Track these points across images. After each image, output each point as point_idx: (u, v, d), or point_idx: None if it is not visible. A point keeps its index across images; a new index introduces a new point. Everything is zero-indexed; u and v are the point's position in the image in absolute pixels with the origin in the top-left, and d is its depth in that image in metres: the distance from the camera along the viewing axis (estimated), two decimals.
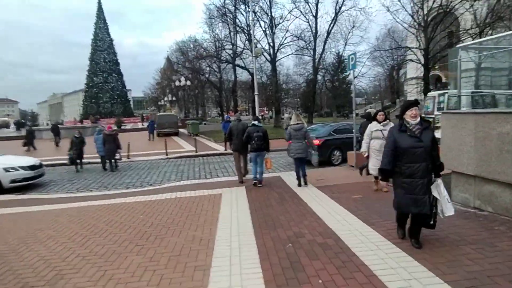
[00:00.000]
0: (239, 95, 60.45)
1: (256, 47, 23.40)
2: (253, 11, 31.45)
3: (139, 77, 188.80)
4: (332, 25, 36.37)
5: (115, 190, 10.99)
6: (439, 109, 20.04)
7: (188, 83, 46.02)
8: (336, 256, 4.72)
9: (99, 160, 15.48)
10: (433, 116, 16.50)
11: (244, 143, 9.93)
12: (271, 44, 36.49)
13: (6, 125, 59.43)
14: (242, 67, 41.63)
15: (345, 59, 44.41)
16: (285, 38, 37.14)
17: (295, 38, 37.35)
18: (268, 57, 37.70)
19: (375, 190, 8.30)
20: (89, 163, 16.43)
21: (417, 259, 4.42)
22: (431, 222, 4.72)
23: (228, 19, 38.08)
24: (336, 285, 3.94)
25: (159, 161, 17.32)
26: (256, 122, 9.88)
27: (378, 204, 7.20)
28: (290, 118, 10.62)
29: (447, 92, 25.79)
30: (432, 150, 4.55)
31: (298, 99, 68.16)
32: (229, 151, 14.72)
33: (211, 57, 41.90)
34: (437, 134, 5.99)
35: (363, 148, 8.60)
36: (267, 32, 36.31)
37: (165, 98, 64.09)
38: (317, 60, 38.05)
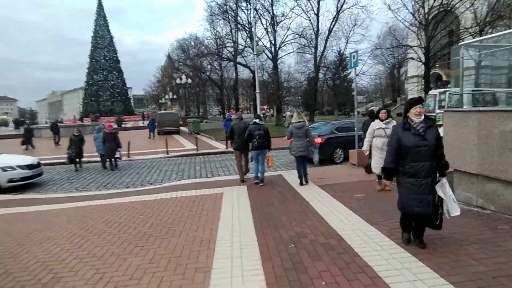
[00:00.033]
0: (240, 93, 60.27)
1: (257, 45, 23.29)
2: (255, 9, 31.37)
3: (140, 74, 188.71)
4: (333, 23, 36.41)
5: (114, 190, 10.91)
6: (440, 107, 19.99)
7: (189, 81, 45.93)
8: (339, 256, 4.65)
9: (98, 159, 15.40)
10: (434, 114, 16.43)
11: (246, 141, 9.89)
12: (273, 42, 36.46)
13: (4, 124, 59.38)
14: (243, 65, 41.47)
15: (347, 57, 44.62)
16: (287, 36, 37.20)
17: (296, 36, 37.40)
18: (270, 55, 37.61)
19: (379, 190, 8.16)
20: (88, 162, 16.32)
21: (421, 260, 4.36)
22: (437, 223, 4.63)
23: (229, 16, 37.99)
24: (339, 287, 3.88)
25: (159, 159, 17.23)
26: (257, 120, 9.87)
27: (380, 203, 7.14)
28: (292, 116, 10.56)
29: (448, 90, 25.84)
30: (436, 148, 4.46)
31: (300, 97, 68.23)
32: (230, 149, 14.66)
33: (212, 55, 41.77)
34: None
35: (365, 146, 8.58)
36: (269, 30, 36.28)
37: (166, 96, 64.00)
38: (318, 58, 38.04)
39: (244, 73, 50.21)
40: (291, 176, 10.46)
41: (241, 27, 38.02)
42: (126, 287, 4.19)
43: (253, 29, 24.55)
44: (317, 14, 36.00)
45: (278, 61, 38.87)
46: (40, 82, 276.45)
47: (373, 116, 8.82)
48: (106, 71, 67.95)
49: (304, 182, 9.38)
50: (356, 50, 12.55)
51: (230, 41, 40.68)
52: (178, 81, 44.85)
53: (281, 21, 36.20)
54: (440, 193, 4.50)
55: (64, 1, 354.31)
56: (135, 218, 7.09)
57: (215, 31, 40.70)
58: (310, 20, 36.53)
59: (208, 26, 42.40)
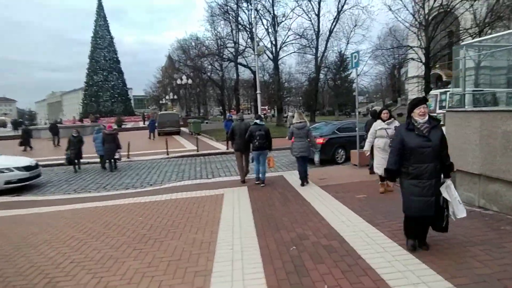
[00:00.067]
0: (241, 94, 60.11)
1: (258, 45, 23.26)
2: (256, 9, 31.35)
3: (140, 75, 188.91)
4: (334, 23, 36.45)
5: (114, 191, 10.83)
6: (441, 107, 19.97)
7: (190, 81, 45.89)
8: (341, 259, 4.58)
9: (98, 160, 15.35)
10: (435, 114, 16.36)
11: (246, 142, 9.86)
12: (274, 42, 36.40)
13: (3, 124, 59.27)
14: (244, 66, 41.37)
15: (347, 57, 44.65)
16: (288, 37, 37.15)
17: (297, 37, 37.39)
18: (271, 56, 37.60)
19: (381, 192, 8.03)
20: (87, 163, 16.26)
21: (425, 262, 4.29)
22: (443, 225, 4.55)
23: (230, 17, 37.88)
24: None
25: (159, 160, 17.16)
26: (258, 121, 9.83)
27: (382, 204, 7.09)
28: (293, 117, 10.52)
29: (448, 91, 25.91)
30: (441, 149, 4.36)
31: (300, 98, 68.28)
32: (231, 150, 14.61)
33: (213, 55, 41.64)
34: None
35: (366, 147, 8.53)
36: (270, 30, 36.24)
37: (167, 97, 63.92)
38: (319, 58, 38.07)
39: (245, 74, 50.20)
40: (292, 177, 10.40)
41: (242, 28, 37.94)
42: None
43: (254, 29, 24.61)
44: (318, 15, 36.06)
45: (279, 62, 38.82)
46: (40, 82, 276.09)
47: (376, 116, 8.76)
48: (106, 72, 67.95)
49: (305, 183, 9.33)
50: (357, 50, 12.55)
51: (231, 41, 40.57)
52: (178, 81, 44.82)
53: (282, 21, 36.22)
54: (445, 194, 4.41)
55: (64, 1, 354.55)
56: (134, 220, 7.00)
57: (215, 31, 40.63)
58: (311, 20, 36.61)
59: (208, 27, 42.37)
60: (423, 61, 32.51)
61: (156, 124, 31.01)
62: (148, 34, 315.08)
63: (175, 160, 17.02)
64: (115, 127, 29.47)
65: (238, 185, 9.89)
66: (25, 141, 23.46)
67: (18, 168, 11.46)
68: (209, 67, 46.58)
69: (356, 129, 12.10)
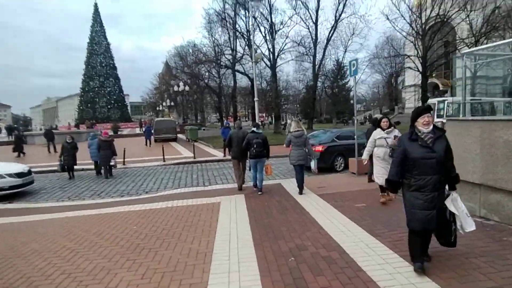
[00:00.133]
0: (238, 101, 60.20)
1: (256, 52, 23.26)
2: (253, 17, 31.41)
3: (137, 82, 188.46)
4: (332, 32, 36.53)
5: (109, 199, 10.67)
6: (439, 116, 20.00)
7: (187, 88, 45.83)
8: (341, 271, 4.45)
9: (92, 166, 15.17)
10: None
11: (244, 150, 9.79)
12: (271, 50, 36.51)
13: None
14: (241, 73, 41.42)
15: (345, 65, 44.78)
16: (285, 44, 37.19)
17: (295, 44, 37.48)
18: (268, 63, 37.68)
19: (382, 202, 7.84)
20: (82, 169, 16.08)
21: (427, 274, 4.17)
22: (452, 240, 4.38)
23: (227, 24, 38.05)
24: None
25: (156, 167, 16.99)
26: (255, 129, 9.77)
27: (382, 213, 6.98)
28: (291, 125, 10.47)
29: (446, 99, 26.15)
30: (445, 161, 4.16)
31: (298, 105, 68.35)
32: (228, 157, 14.52)
33: (210, 62, 41.68)
34: None
35: (364, 155, 8.40)
36: (267, 37, 36.31)
37: (164, 103, 63.86)
38: (317, 66, 38.11)
39: (243, 81, 50.25)
40: (290, 185, 10.30)
41: (239, 35, 38.08)
42: None
43: (251, 36, 24.59)
44: (315, 23, 36.14)
45: (277, 69, 38.94)
46: (35, 88, 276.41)
47: (377, 124, 8.66)
48: (103, 78, 68.03)
49: (302, 191, 9.27)
50: (356, 58, 12.45)
51: (229, 48, 40.64)
52: (175, 88, 44.74)
53: (280, 29, 36.36)
54: (451, 208, 4.22)
55: (60, 6, 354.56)
56: (128, 229, 6.84)
57: (213, 38, 40.70)
58: (308, 28, 36.69)
59: (206, 33, 42.53)
60: (420, 70, 32.81)
61: (153, 131, 30.86)
62: (145, 41, 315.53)
63: (172, 167, 16.85)
64: (111, 133, 29.28)
65: (235, 193, 9.78)
66: (18, 147, 23.24)
67: (10, 175, 11.23)
68: (207, 74, 46.58)
69: (355, 137, 12.05)
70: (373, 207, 7.57)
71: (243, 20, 37.83)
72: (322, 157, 12.94)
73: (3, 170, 11.36)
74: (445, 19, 31.28)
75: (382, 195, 7.89)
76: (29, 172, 12.14)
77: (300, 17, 36.05)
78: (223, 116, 52.83)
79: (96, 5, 69.60)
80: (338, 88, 59.10)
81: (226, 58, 41.55)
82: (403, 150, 4.28)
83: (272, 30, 35.52)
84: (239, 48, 40.44)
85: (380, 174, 7.54)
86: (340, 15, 35.57)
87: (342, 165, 13.53)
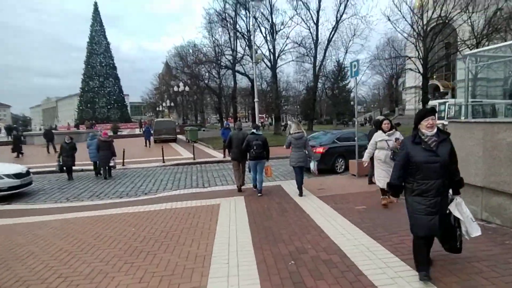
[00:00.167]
0: (238, 102, 60.14)
1: (256, 53, 23.18)
2: (254, 17, 31.34)
3: (137, 82, 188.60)
4: (333, 32, 36.59)
5: (107, 200, 10.59)
6: (440, 118, 19.96)
7: (187, 88, 45.77)
8: (342, 275, 4.40)
9: (91, 167, 15.09)
10: None
11: (243, 151, 9.77)
12: (272, 50, 36.45)
13: None
14: (242, 73, 41.34)
15: (346, 67, 44.77)
16: (286, 45, 37.21)
17: (295, 45, 37.52)
18: (269, 64, 37.63)
19: (384, 204, 7.75)
20: (81, 170, 16.02)
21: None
22: (457, 245, 4.29)
23: (228, 24, 37.98)
24: None
25: (155, 168, 16.93)
26: (255, 131, 9.75)
27: (382, 216, 6.94)
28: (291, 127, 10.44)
29: (447, 101, 26.17)
30: (450, 164, 4.05)
31: (298, 107, 68.34)
32: (228, 158, 14.46)
33: (210, 63, 41.58)
34: None
35: (365, 157, 8.33)
36: (268, 38, 36.28)
37: (164, 104, 63.80)
38: (317, 67, 38.10)
39: (243, 82, 50.21)
40: (290, 187, 10.25)
41: (240, 35, 38.00)
42: None
43: (252, 37, 24.50)
44: (316, 24, 36.21)
45: (277, 70, 38.87)
46: (35, 88, 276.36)
47: (378, 126, 8.60)
48: (102, 78, 67.87)
49: (302, 193, 9.24)
50: (357, 59, 12.41)
51: (229, 49, 40.54)
52: (175, 88, 44.68)
53: (281, 29, 36.31)
54: (456, 213, 4.13)
55: (60, 6, 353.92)
56: (126, 231, 6.77)
57: (213, 38, 40.58)
58: (309, 29, 36.76)
59: (206, 34, 42.50)
60: (421, 71, 32.76)
61: (152, 131, 30.78)
62: (145, 41, 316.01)
63: (171, 168, 16.78)
64: (111, 133, 29.21)
65: (234, 195, 9.73)
66: (17, 147, 23.19)
67: (8, 176, 11.15)
68: (207, 74, 46.49)
69: (355, 138, 12.01)
70: (374, 209, 7.51)
71: (243, 20, 37.90)
72: (322, 158, 12.92)
73: (1, 170, 11.27)
74: (447, 21, 31.33)
75: (383, 198, 7.81)
76: (28, 173, 12.05)
77: (301, 17, 36.22)
78: (223, 117, 52.75)
79: (96, 4, 69.27)
80: (338, 89, 59.12)
81: (226, 58, 41.49)
82: (406, 153, 4.16)
83: (273, 31, 35.50)
84: (239, 49, 40.47)
85: (381, 177, 7.49)
86: (341, 16, 35.72)
87: (343, 166, 13.49)
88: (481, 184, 6.23)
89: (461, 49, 30.96)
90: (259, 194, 9.47)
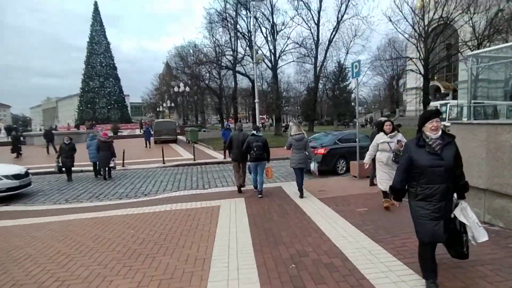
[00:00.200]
0: (239, 102, 60.20)
1: (257, 53, 23.14)
2: (255, 17, 31.28)
3: (138, 82, 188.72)
4: (334, 33, 36.60)
5: (107, 201, 10.50)
6: (441, 119, 19.88)
7: (187, 89, 45.76)
8: (344, 279, 4.33)
9: (91, 168, 15.01)
10: None
11: (244, 153, 9.76)
12: (272, 51, 36.40)
13: None
14: (242, 74, 41.29)
15: (347, 67, 44.72)
16: (287, 45, 37.16)
17: (296, 46, 37.45)
18: (269, 64, 37.56)
19: (386, 207, 7.62)
20: (81, 171, 15.94)
21: None
22: (464, 251, 4.18)
23: (228, 24, 37.89)
24: None
25: (155, 169, 16.86)
26: (255, 132, 9.74)
27: (384, 218, 6.89)
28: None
29: (448, 103, 26.19)
30: (455, 168, 3.91)
31: (299, 107, 68.30)
32: (228, 159, 14.41)
33: (211, 63, 41.54)
34: None
35: (366, 159, 8.29)
36: (269, 38, 36.21)
37: (164, 104, 63.78)
38: (318, 68, 38.03)
39: (243, 82, 50.24)
40: (291, 188, 10.20)
41: (240, 35, 37.94)
42: None
43: (252, 37, 24.47)
44: (317, 24, 36.17)
45: (278, 71, 38.75)
46: (35, 88, 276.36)
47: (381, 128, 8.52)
48: (103, 78, 67.81)
49: (303, 195, 9.20)
50: (358, 60, 12.33)
51: (229, 49, 40.51)
52: (176, 89, 44.66)
53: (281, 30, 36.23)
54: (461, 218, 4.01)
55: (60, 6, 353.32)
56: (125, 233, 6.69)
57: (214, 39, 40.56)
58: (310, 29, 36.72)
59: (207, 34, 42.40)
60: (422, 72, 32.77)
61: (152, 132, 30.71)
62: (146, 41, 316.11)
63: (171, 169, 16.72)
64: (111, 134, 29.15)
65: (235, 196, 9.67)
66: (16, 148, 23.13)
67: (6, 177, 11.05)
68: (207, 75, 46.51)
69: (357, 139, 11.97)
70: (375, 211, 7.46)
71: (244, 21, 37.80)
72: (324, 159, 12.92)
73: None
74: (448, 22, 31.38)
75: (385, 201, 7.68)
76: (26, 174, 11.94)
77: (302, 18, 36.17)
78: (223, 117, 52.79)
79: (96, 4, 69.25)
80: (339, 90, 59.07)
81: (227, 59, 41.48)
82: (409, 157, 4.01)
83: (274, 31, 35.41)
84: (240, 49, 40.43)
85: (383, 179, 7.42)
86: (342, 16, 35.73)
87: (344, 168, 13.46)
88: (484, 186, 6.18)
89: (462, 50, 31.01)
90: (259, 196, 9.42)
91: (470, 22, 30.12)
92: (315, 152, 12.58)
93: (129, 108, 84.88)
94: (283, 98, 52.17)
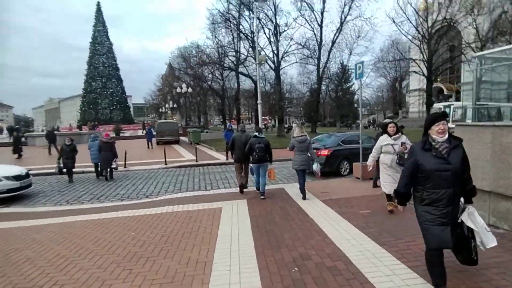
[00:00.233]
0: (242, 103, 59.94)
1: (260, 54, 23.09)
2: (258, 18, 31.16)
3: (140, 83, 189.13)
4: (337, 34, 36.57)
5: (108, 203, 10.45)
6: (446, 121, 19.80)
7: (190, 90, 45.75)
8: (347, 283, 4.26)
9: (93, 169, 14.97)
10: None
11: (246, 154, 9.76)
12: (275, 52, 36.26)
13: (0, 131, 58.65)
14: (245, 75, 41.14)
15: (350, 69, 44.62)
16: (290, 46, 36.98)
17: (299, 47, 37.26)
18: (272, 65, 37.43)
19: (390, 211, 7.51)
20: (82, 172, 15.89)
21: None
22: (473, 257, 4.08)
23: (231, 25, 37.70)
24: None
25: (157, 170, 16.82)
26: (257, 134, 9.73)
27: (387, 221, 6.82)
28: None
29: (452, 104, 26.15)
30: (462, 172, 3.77)
31: (302, 109, 68.24)
32: (231, 160, 14.35)
33: (213, 64, 41.42)
34: None
35: (369, 161, 8.16)
36: (271, 39, 36.10)
37: (166, 105, 63.79)
38: (321, 69, 38.01)
39: (246, 83, 50.03)
40: (293, 190, 10.12)
41: (243, 36, 37.81)
42: None
43: (255, 38, 24.43)
44: (320, 25, 36.16)
45: (281, 72, 38.69)
46: (37, 88, 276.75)
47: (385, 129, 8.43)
48: (105, 79, 67.82)
49: (306, 196, 9.16)
50: (362, 61, 12.25)
51: (232, 50, 40.36)
52: (178, 90, 44.67)
53: (284, 31, 36.09)
54: (469, 223, 3.90)
55: (62, 6, 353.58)
56: (126, 235, 6.63)
57: (217, 39, 40.30)
58: (313, 31, 36.66)
59: (209, 35, 41.98)
60: (425, 74, 32.74)
61: (154, 133, 30.67)
62: (148, 42, 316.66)
63: (173, 171, 16.67)
64: (113, 135, 29.12)
65: (237, 198, 9.61)
66: (17, 148, 23.12)
67: (7, 177, 10.96)
68: (210, 75, 46.39)
69: (360, 141, 11.92)
70: (378, 213, 7.39)
71: (247, 21, 37.61)
72: (327, 161, 12.91)
73: (0, 172, 11.12)
74: (452, 23, 31.34)
75: (389, 204, 7.58)
76: (27, 175, 11.85)
77: (305, 19, 36.12)
78: (226, 118, 52.72)
79: (98, 4, 69.15)
80: (342, 92, 58.89)
81: (229, 59, 41.32)
82: (414, 161, 3.87)
83: (277, 32, 35.32)
84: (242, 50, 40.24)
85: (387, 182, 7.31)
86: (345, 17, 35.72)
87: (348, 169, 13.42)
88: (488, 188, 6.12)
89: (465, 52, 31.00)
90: (262, 197, 9.38)
91: (474, 23, 30.10)
92: (319, 153, 12.58)
93: (131, 109, 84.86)
94: (286, 99, 52.01)
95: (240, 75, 42.43)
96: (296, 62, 40.00)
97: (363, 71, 11.59)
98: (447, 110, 24.28)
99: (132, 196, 11.25)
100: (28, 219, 8.57)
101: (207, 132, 47.91)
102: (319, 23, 36.02)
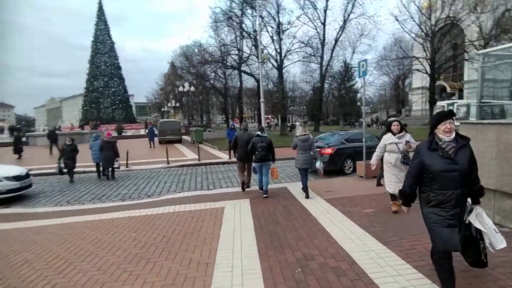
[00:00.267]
0: (244, 102, 59.91)
1: (262, 52, 23.03)
2: (260, 16, 31.05)
3: (142, 82, 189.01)
4: (340, 32, 36.45)
5: (109, 203, 10.38)
6: None
7: (192, 89, 45.60)
8: (352, 284, 4.20)
9: (94, 168, 14.93)
10: None
11: (249, 153, 9.74)
12: (278, 50, 36.14)
13: (1, 130, 58.64)
14: (248, 74, 41.04)
15: (353, 67, 44.52)
16: (293, 45, 36.81)
17: (302, 45, 37.09)
18: (275, 64, 37.35)
19: (394, 211, 7.36)
20: (84, 172, 15.83)
21: None
22: (483, 258, 3.95)
23: (234, 23, 37.51)
24: None
25: (159, 170, 16.77)
26: (260, 133, 9.72)
27: (391, 220, 6.76)
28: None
29: (455, 102, 26.06)
30: (469, 173, 3.64)
31: (304, 107, 68.19)
32: (234, 159, 14.32)
33: (216, 63, 41.27)
34: None
35: (373, 160, 8.09)
36: (274, 38, 35.91)
37: (169, 104, 63.74)
38: (324, 67, 37.88)
39: (249, 82, 49.98)
40: (296, 189, 10.08)
41: (246, 35, 37.64)
42: None
43: (258, 36, 24.29)
44: (323, 23, 36.02)
45: (284, 70, 38.58)
46: (39, 88, 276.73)
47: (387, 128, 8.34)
48: (107, 78, 67.80)
49: (309, 195, 9.12)
50: (365, 59, 12.18)
51: (235, 48, 40.16)
52: (181, 89, 44.58)
53: (287, 29, 35.91)
54: (477, 224, 3.78)
55: (64, 5, 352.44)
56: (127, 236, 6.56)
57: (219, 38, 40.16)
58: (316, 29, 36.51)
59: (212, 33, 42.20)
60: (428, 72, 32.66)
61: (156, 132, 30.64)
62: (150, 41, 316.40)
63: (176, 170, 16.62)
64: (115, 134, 29.07)
65: (239, 197, 9.56)
66: (17, 148, 23.09)
67: (7, 178, 10.89)
68: (212, 74, 46.22)
69: (363, 139, 11.88)
70: (382, 212, 7.33)
71: (249, 20, 37.46)
72: (331, 159, 12.91)
73: (0, 172, 11.05)
74: (455, 21, 31.28)
75: (393, 204, 7.46)
76: (27, 175, 11.77)
77: (308, 17, 35.91)
78: (229, 117, 52.67)
79: (100, 3, 69.09)
80: (345, 90, 58.79)
81: (232, 58, 41.14)
82: (420, 161, 3.75)
83: (279, 30, 35.15)
84: (245, 49, 40.07)
85: (391, 181, 7.22)
86: (348, 16, 35.58)
87: (351, 168, 13.40)
88: (493, 187, 6.08)
89: (468, 50, 30.91)
90: (264, 196, 9.37)
91: (477, 21, 30.02)
92: (322, 152, 12.55)
93: (133, 108, 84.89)
94: (289, 98, 52.05)
95: (242, 74, 42.34)
96: (299, 60, 39.86)
97: (366, 69, 11.55)
98: (450, 108, 24.22)
99: (133, 196, 11.20)
100: (28, 220, 8.51)
101: (209, 131, 47.79)
102: (322, 21, 35.92)
